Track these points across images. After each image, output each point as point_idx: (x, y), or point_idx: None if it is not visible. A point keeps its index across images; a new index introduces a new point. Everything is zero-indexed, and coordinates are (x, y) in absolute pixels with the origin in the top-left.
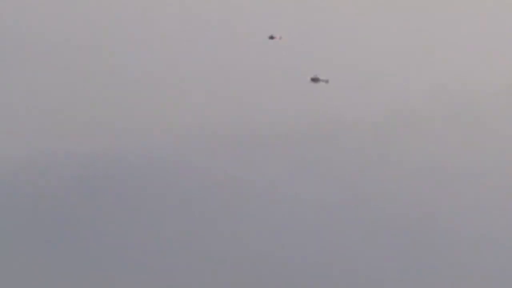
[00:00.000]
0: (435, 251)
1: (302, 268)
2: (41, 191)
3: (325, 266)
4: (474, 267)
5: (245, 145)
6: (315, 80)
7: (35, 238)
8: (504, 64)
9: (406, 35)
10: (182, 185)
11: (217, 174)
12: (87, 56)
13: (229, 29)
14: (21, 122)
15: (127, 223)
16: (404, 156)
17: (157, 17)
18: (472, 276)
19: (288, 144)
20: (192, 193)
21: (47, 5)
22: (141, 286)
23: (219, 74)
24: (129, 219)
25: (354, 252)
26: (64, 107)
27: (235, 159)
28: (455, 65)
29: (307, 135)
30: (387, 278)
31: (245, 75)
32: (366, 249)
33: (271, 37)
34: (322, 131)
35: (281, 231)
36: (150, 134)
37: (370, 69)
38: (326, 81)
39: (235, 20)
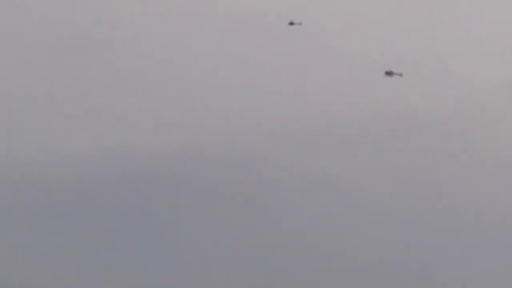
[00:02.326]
0: None
1: (378, 269)
2: (101, 190)
3: (399, 267)
4: None
5: (319, 142)
6: (389, 73)
7: (92, 236)
8: None
9: (480, 26)
10: (257, 184)
11: (298, 172)
12: (149, 56)
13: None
14: (81, 122)
15: (200, 224)
16: (478, 153)
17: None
18: None
19: (361, 140)
20: (269, 192)
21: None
22: None
23: (291, 70)
24: (205, 220)
25: (429, 253)
26: (123, 106)
27: (309, 156)
28: None
29: (377, 130)
30: (465, 279)
31: (315, 71)
32: (441, 250)
33: (291, 23)
34: (392, 126)
35: (357, 232)
36: (226, 133)
37: (442, 62)
38: (400, 75)
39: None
